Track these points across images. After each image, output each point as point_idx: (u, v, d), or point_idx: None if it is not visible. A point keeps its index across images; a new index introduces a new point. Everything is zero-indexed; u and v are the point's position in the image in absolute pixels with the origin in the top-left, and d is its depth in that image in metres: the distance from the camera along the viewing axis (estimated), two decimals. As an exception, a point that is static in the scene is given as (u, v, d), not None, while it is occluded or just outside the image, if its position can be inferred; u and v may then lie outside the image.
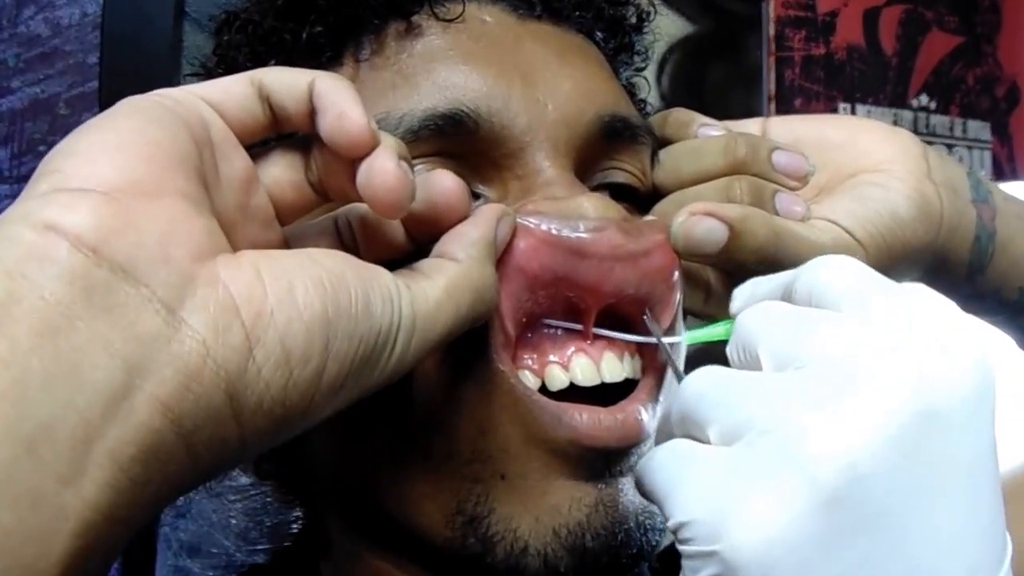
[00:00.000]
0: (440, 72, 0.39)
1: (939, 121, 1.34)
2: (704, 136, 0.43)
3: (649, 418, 0.37)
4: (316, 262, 0.27)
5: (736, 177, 0.40)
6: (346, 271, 0.27)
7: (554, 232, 0.35)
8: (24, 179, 0.80)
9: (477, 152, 0.39)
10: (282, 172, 0.31)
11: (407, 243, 0.34)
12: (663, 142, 0.45)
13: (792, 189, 0.41)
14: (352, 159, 0.29)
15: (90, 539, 0.22)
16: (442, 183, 0.32)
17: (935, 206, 0.42)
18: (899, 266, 0.41)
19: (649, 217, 0.41)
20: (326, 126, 0.29)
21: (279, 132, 0.30)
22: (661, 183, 0.43)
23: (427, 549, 0.37)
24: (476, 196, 0.39)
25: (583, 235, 0.35)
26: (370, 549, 0.41)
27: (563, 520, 0.35)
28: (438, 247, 0.32)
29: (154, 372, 0.23)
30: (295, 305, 0.25)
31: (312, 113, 0.29)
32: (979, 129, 1.39)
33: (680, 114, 0.46)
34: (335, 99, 0.29)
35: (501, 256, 0.34)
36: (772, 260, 0.38)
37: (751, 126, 0.45)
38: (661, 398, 0.38)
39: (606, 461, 0.36)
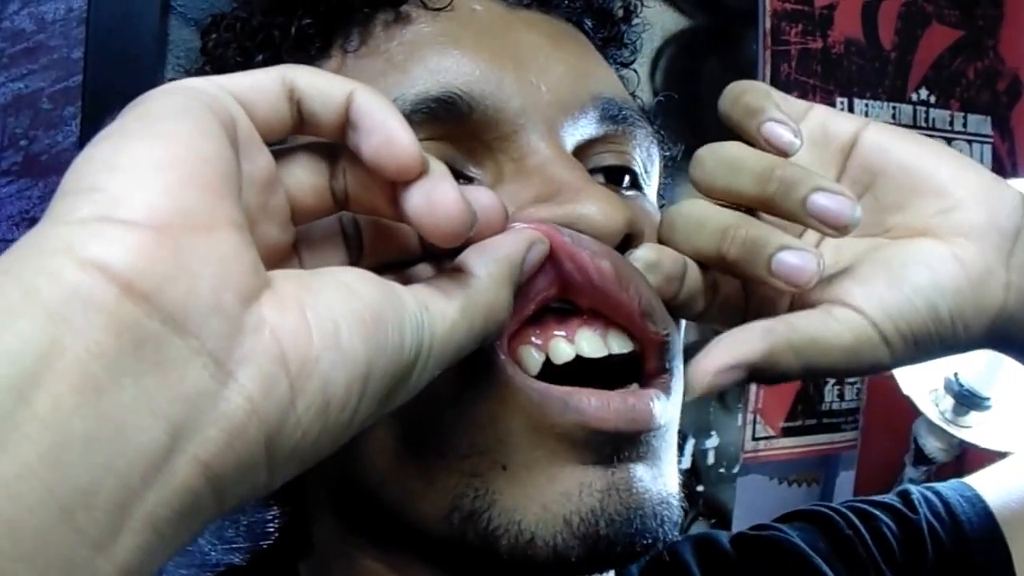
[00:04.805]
0: (430, 58, 0.38)
1: (939, 115, 1.33)
2: (766, 135, 0.37)
3: (662, 406, 0.36)
4: (355, 294, 0.25)
5: (738, 224, 0.36)
6: (383, 303, 0.26)
7: (564, 239, 0.34)
8: (5, 174, 0.79)
9: (470, 135, 0.38)
10: (306, 176, 0.30)
11: (417, 248, 0.33)
12: (727, 122, 0.39)
13: (830, 236, 0.36)
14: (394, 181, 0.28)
15: None
16: (479, 201, 0.31)
17: (994, 300, 0.36)
18: (931, 355, 0.37)
19: (646, 259, 0.38)
20: (371, 148, 0.27)
21: (300, 134, 0.29)
22: (696, 182, 0.39)
23: (427, 545, 0.37)
24: (469, 179, 0.38)
25: (580, 252, 0.34)
26: (363, 549, 0.40)
27: (574, 507, 0.34)
28: (461, 258, 0.31)
29: (198, 432, 0.21)
30: (340, 349, 0.24)
31: (345, 125, 0.28)
32: (980, 123, 1.38)
33: (751, 98, 0.38)
34: (381, 119, 0.27)
35: None
36: (791, 377, 0.36)
37: (847, 123, 0.39)
38: (674, 387, 0.37)
39: (615, 445, 0.34)
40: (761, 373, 0.35)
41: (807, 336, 0.34)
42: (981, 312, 0.36)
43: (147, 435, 0.21)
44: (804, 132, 0.38)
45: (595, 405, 0.34)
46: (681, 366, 0.40)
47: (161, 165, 0.23)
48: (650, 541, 0.35)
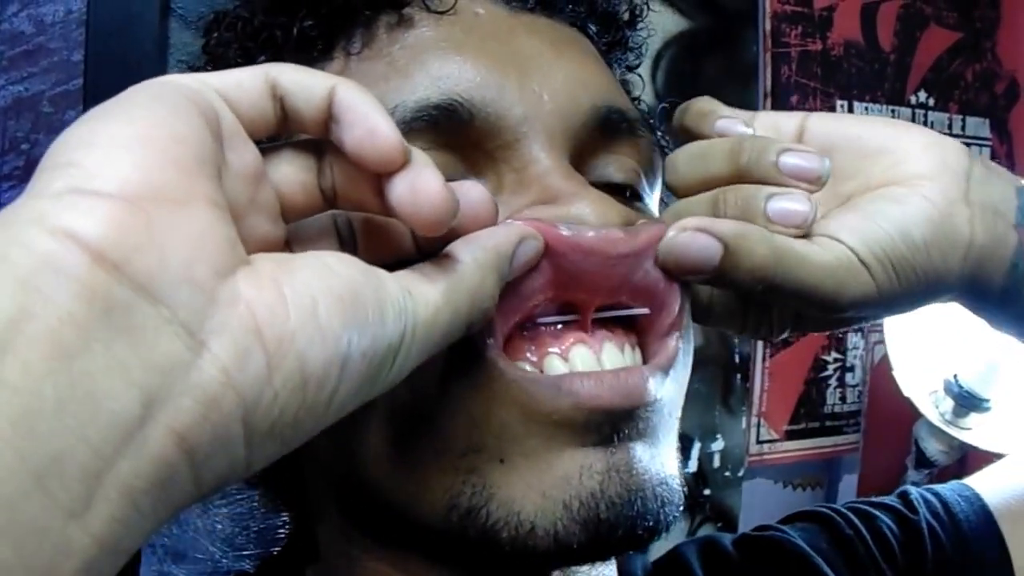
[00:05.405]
0: (433, 63, 0.38)
1: (937, 118, 1.33)
2: (720, 130, 0.40)
3: (657, 382, 0.36)
4: (334, 272, 0.26)
5: (725, 188, 0.38)
6: (363, 284, 0.26)
7: (562, 232, 0.34)
8: (6, 178, 0.79)
9: (471, 143, 0.38)
10: (294, 172, 0.30)
11: (411, 248, 0.33)
12: (682, 134, 0.42)
13: (806, 190, 0.38)
14: (377, 173, 0.28)
15: (91, 573, 0.20)
16: (468, 195, 0.31)
17: (962, 233, 0.38)
18: (914, 292, 0.38)
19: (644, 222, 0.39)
20: (354, 141, 0.28)
21: (286, 133, 0.29)
22: (671, 186, 0.41)
23: (430, 543, 0.37)
24: None
25: (584, 234, 0.34)
26: (368, 550, 0.40)
27: (574, 491, 0.34)
28: (448, 248, 0.31)
29: (171, 401, 0.21)
30: (317, 326, 0.24)
31: (328, 120, 0.28)
32: (978, 126, 1.38)
33: (701, 104, 0.42)
34: (363, 111, 0.27)
35: None
36: (770, 282, 0.35)
37: (789, 121, 0.42)
38: (679, 361, 0.38)
39: (613, 423, 0.35)
40: (732, 259, 0.35)
41: (788, 245, 0.36)
42: (954, 242, 0.38)
43: (119, 403, 0.21)
44: (758, 133, 0.41)
45: (588, 384, 0.34)
46: (691, 345, 0.40)
47: (135, 142, 0.23)
48: (651, 524, 0.35)
